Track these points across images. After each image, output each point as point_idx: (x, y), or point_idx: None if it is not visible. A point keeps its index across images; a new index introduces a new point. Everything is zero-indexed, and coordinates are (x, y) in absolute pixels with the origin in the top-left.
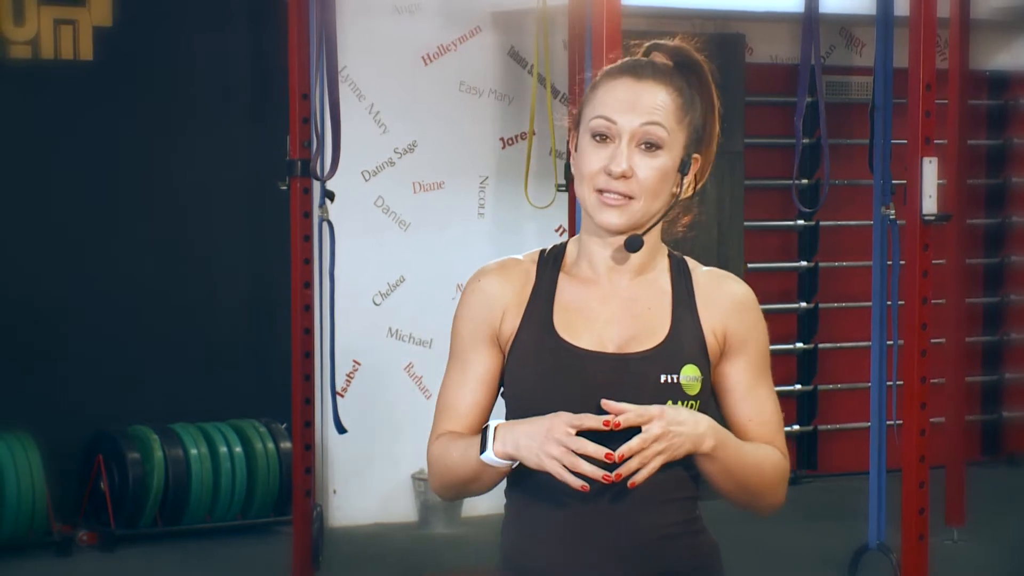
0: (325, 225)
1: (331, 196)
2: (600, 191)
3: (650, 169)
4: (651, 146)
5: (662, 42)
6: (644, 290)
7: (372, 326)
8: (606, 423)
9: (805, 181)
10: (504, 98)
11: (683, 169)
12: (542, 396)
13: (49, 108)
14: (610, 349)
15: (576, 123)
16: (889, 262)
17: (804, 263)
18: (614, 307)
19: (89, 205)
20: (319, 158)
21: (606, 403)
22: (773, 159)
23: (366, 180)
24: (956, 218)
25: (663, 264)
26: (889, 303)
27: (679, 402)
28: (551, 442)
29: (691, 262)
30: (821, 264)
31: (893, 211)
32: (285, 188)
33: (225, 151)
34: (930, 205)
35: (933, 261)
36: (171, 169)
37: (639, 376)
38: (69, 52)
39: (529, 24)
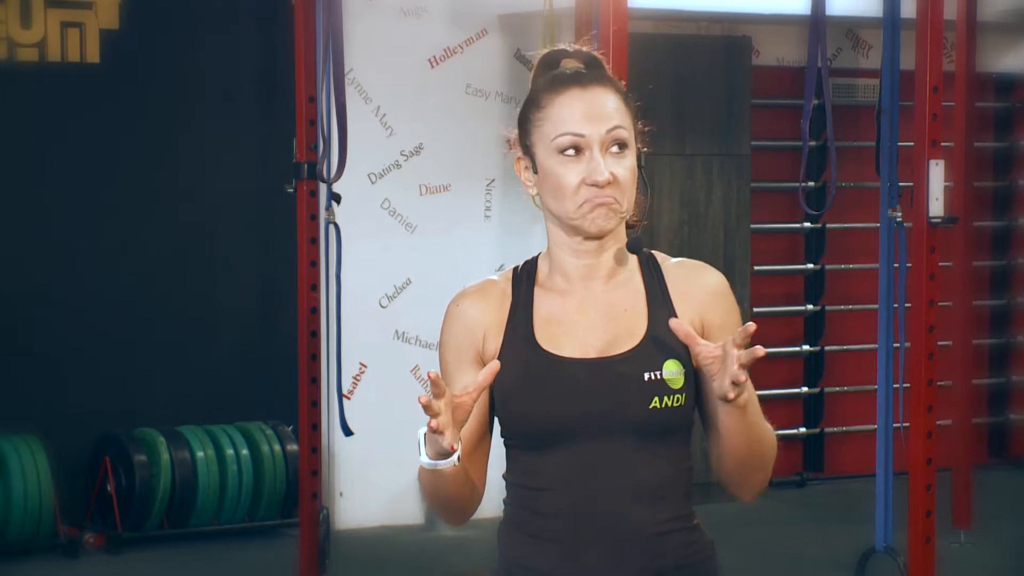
0: (332, 228)
1: (338, 199)
2: (586, 202)
3: (624, 170)
4: (620, 148)
5: (564, 48)
6: (619, 293)
7: (378, 329)
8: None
9: (812, 184)
10: (511, 100)
11: (640, 162)
12: (529, 407)
13: (55, 110)
14: (592, 355)
15: (525, 148)
16: (896, 265)
17: (811, 266)
18: (592, 314)
19: (95, 208)
20: (326, 161)
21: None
22: (780, 162)
23: (372, 183)
24: (963, 221)
25: (633, 263)
26: (896, 306)
27: (665, 397)
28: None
29: (659, 255)
30: (828, 267)
31: (900, 214)
32: (292, 191)
33: (231, 154)
34: (937, 208)
35: (940, 264)
36: (177, 172)
37: (623, 376)
38: (76, 55)
39: (536, 26)
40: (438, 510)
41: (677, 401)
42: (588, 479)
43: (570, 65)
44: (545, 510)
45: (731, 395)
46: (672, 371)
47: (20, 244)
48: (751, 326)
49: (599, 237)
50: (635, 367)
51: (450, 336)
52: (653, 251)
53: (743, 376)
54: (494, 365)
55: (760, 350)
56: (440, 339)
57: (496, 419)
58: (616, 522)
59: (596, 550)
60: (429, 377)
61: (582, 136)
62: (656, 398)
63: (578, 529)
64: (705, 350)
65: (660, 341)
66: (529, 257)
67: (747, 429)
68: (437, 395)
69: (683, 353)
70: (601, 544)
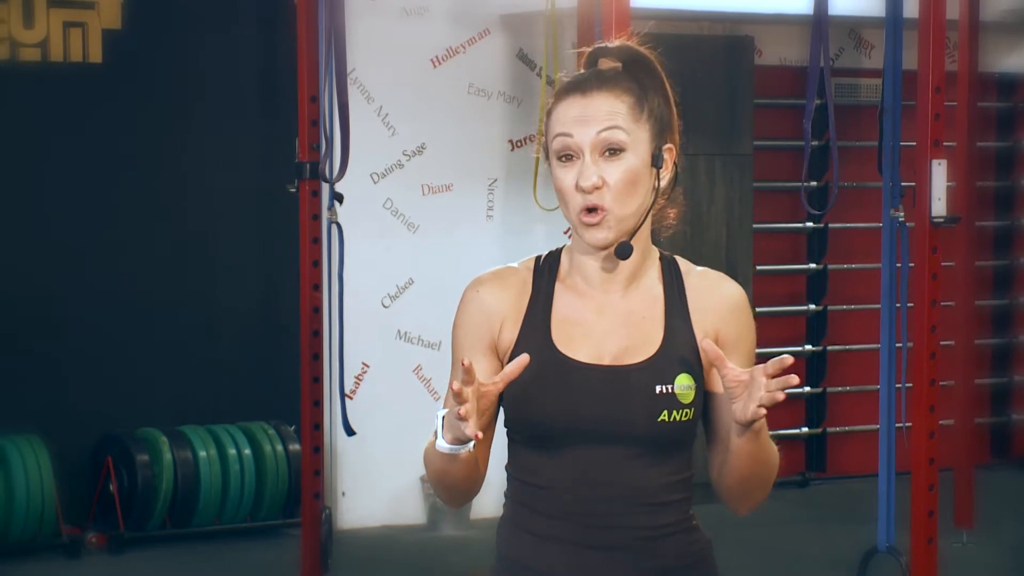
0: (334, 227)
1: (340, 198)
2: (581, 210)
3: (619, 173)
4: (614, 151)
5: (605, 45)
6: (638, 300)
7: (381, 328)
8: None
9: (814, 183)
10: (513, 100)
11: (656, 163)
12: (538, 408)
13: (57, 110)
14: (606, 361)
15: (546, 152)
16: (898, 264)
17: (813, 265)
18: (610, 319)
19: (98, 208)
20: (328, 160)
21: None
22: (782, 161)
23: (375, 182)
24: (965, 220)
25: (654, 268)
26: (898, 305)
27: (674, 411)
28: (448, 413)
29: (683, 263)
30: (830, 266)
31: (902, 213)
32: (294, 190)
33: (234, 154)
34: (939, 207)
35: (942, 263)
36: (180, 171)
37: (634, 387)
38: (78, 54)
39: (538, 26)
40: (442, 492)
41: (685, 416)
42: (590, 483)
43: (606, 63)
44: (545, 509)
45: (759, 419)
46: (683, 386)
47: (20, 244)
48: (788, 359)
49: (603, 249)
50: (648, 378)
51: (466, 321)
52: (676, 257)
53: (781, 397)
54: (523, 359)
55: (794, 379)
56: (455, 322)
57: (501, 410)
58: (616, 527)
59: (596, 551)
60: (463, 365)
61: (571, 136)
62: (665, 412)
63: (578, 531)
64: (732, 373)
65: (674, 353)
66: (553, 248)
67: (757, 452)
68: (467, 383)
69: (696, 367)
70: (601, 546)
